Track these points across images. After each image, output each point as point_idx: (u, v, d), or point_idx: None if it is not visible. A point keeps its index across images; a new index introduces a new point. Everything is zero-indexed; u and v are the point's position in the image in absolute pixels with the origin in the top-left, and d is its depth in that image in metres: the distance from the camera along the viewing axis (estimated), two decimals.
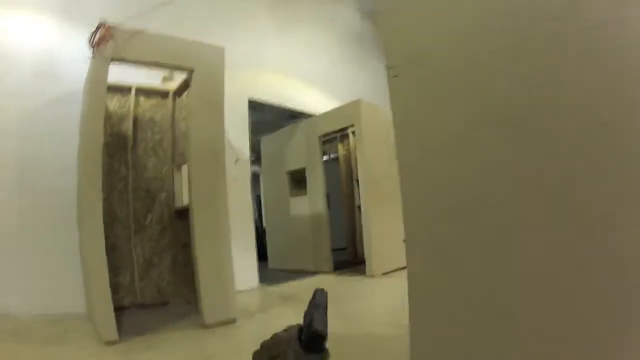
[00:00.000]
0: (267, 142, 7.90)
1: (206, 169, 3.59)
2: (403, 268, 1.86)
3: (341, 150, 7.19)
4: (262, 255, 7.20)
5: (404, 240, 1.55)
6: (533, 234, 1.24)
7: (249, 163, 5.78)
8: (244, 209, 5.57)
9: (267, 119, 7.95)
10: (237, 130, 5.51)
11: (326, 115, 6.69)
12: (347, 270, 6.41)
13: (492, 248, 1.32)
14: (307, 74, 7.01)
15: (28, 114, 3.98)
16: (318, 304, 0.96)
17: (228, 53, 3.89)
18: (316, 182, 6.69)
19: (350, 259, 7.22)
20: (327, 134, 6.78)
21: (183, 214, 4.16)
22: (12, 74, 3.93)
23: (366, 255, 5.80)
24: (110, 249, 3.90)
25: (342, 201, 7.30)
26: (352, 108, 6.15)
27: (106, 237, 3.20)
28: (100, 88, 3.21)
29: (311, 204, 6.79)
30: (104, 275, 3.10)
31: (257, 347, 1.49)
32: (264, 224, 9.07)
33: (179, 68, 3.76)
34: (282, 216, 7.44)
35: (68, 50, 4.15)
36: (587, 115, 1.15)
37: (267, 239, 7.90)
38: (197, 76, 3.66)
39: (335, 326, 3.16)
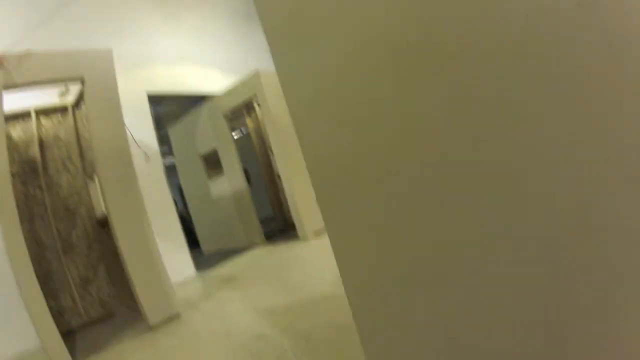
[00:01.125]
0: (175, 131, 7.75)
1: (116, 174, 3.58)
2: None
3: (250, 123, 7.24)
4: (195, 243, 7.25)
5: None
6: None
7: (159, 157, 5.71)
8: (165, 202, 5.58)
9: (173, 110, 7.80)
10: (141, 127, 5.40)
11: (227, 92, 6.62)
12: (280, 238, 6.64)
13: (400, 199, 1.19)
14: (203, 57, 6.89)
15: None
16: None
17: (121, 52, 3.84)
18: (231, 160, 6.74)
19: (280, 226, 7.44)
20: (232, 111, 6.73)
21: (105, 223, 4.12)
22: None
23: (295, 220, 5.99)
24: (45, 276, 3.84)
25: (261, 172, 7.42)
26: (251, 80, 6.12)
27: (38, 264, 3.16)
28: None
29: (230, 182, 6.85)
30: (41, 302, 3.05)
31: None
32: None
33: (70, 80, 3.65)
34: (204, 200, 7.46)
35: None
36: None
37: (195, 225, 7.89)
38: (90, 83, 3.59)
39: (281, 298, 3.35)
